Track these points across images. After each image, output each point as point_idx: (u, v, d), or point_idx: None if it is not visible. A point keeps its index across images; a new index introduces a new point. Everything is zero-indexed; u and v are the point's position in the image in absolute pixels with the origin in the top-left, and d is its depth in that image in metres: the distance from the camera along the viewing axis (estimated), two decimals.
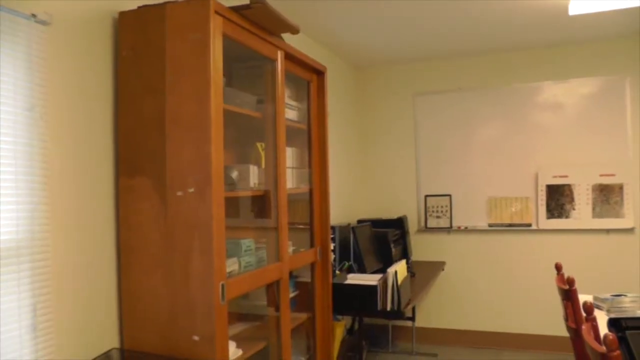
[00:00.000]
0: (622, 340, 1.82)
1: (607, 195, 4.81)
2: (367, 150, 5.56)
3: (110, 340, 2.19)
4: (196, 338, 2.05)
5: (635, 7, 3.87)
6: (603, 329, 2.12)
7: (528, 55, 5.08)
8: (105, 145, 2.20)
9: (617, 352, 1.52)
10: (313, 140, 3.16)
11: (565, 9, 3.88)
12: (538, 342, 4.97)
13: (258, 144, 2.76)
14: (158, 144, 2.12)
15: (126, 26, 2.20)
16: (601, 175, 4.83)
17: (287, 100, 2.91)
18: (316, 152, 3.17)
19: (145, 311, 2.15)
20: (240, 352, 2.39)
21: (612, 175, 4.80)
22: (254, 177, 2.62)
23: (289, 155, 2.93)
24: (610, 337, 1.54)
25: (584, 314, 2.16)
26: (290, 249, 2.92)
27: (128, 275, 2.19)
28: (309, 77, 3.14)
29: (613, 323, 1.89)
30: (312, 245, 3.13)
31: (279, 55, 2.67)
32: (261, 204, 2.85)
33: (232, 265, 2.35)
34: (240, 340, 2.46)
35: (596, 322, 1.83)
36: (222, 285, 2.07)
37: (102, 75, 2.20)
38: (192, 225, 2.06)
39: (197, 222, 2.05)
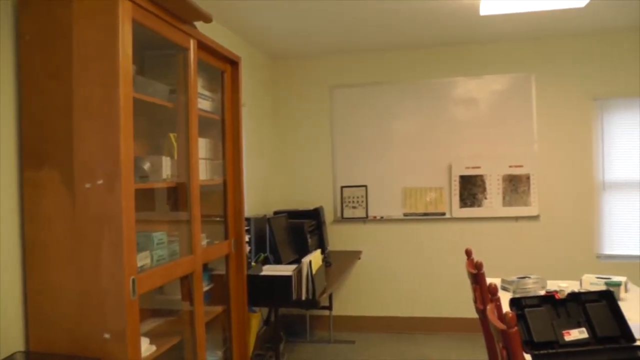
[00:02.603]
0: (522, 318, 2.00)
1: (516, 185, 5.15)
2: (283, 141, 5.61)
3: (14, 344, 2.10)
4: (107, 336, 2.02)
5: (540, 11, 4.17)
6: (506, 309, 2.29)
7: (443, 52, 5.32)
8: (7, 135, 2.11)
9: (515, 328, 1.68)
10: (227, 132, 3.16)
11: (477, 9, 4.10)
12: (451, 325, 5.28)
13: (171, 135, 2.73)
14: (65, 133, 2.05)
15: (28, 8, 2.11)
16: (510, 166, 5.17)
17: (201, 90, 2.90)
18: (230, 143, 3.18)
19: (53, 310, 2.09)
20: (154, 348, 2.37)
21: (520, 166, 5.15)
22: (167, 168, 2.60)
23: (203, 147, 2.93)
24: (510, 314, 1.69)
25: (489, 296, 2.33)
26: (204, 242, 2.92)
27: (34, 273, 2.11)
28: (223, 67, 3.14)
29: (514, 302, 2.05)
30: (226, 237, 3.14)
31: (192, 44, 2.65)
32: (174, 196, 2.84)
33: (143, 259, 2.33)
34: (154, 336, 2.44)
35: (500, 303, 1.99)
36: (133, 280, 2.05)
37: (2, 61, 2.10)
38: (101, 218, 2.02)
39: (106, 215, 2.01)
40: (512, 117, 5.21)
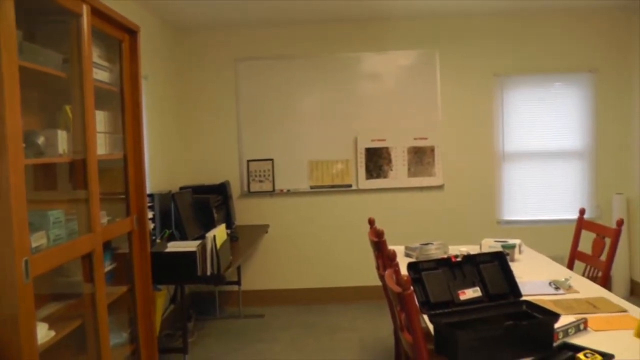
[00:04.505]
0: (419, 281, 2.14)
1: (421, 157, 5.40)
2: (188, 115, 5.53)
3: None
4: None
5: None
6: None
7: (350, 27, 5.43)
8: None
9: (410, 290, 1.80)
10: (127, 104, 3.08)
11: None
12: (359, 293, 5.51)
13: (66, 107, 2.63)
14: None
15: None
16: (415, 139, 5.42)
17: (97, 60, 2.80)
18: (130, 116, 3.10)
19: None
20: (52, 333, 2.30)
21: (425, 138, 5.42)
22: (63, 143, 2.50)
23: (101, 120, 2.85)
24: (405, 278, 1.81)
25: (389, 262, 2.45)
26: (105, 219, 2.86)
27: None
28: (121, 37, 3.04)
29: (412, 266, 2.19)
30: (128, 214, 3.08)
31: (84, 10, 2.54)
32: (71, 171, 2.75)
33: (39, 240, 2.25)
34: (54, 321, 2.37)
35: (399, 268, 2.10)
36: (26, 262, 1.98)
37: None
38: None
39: None
40: (417, 91, 5.44)
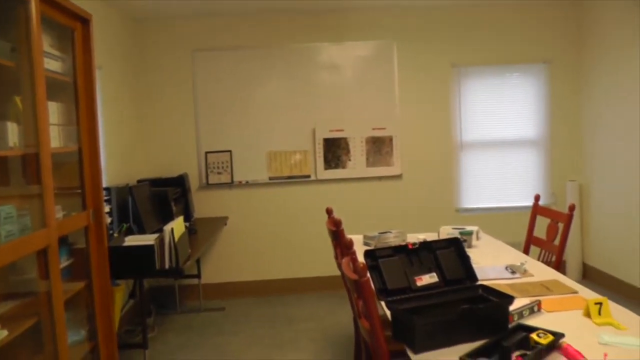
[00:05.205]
0: (376, 269, 2.18)
1: (379, 147, 5.47)
2: (145, 107, 5.45)
3: None
4: None
5: None
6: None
7: (308, 18, 5.45)
8: None
9: (367, 277, 1.84)
10: (80, 95, 3.03)
11: None
12: (320, 283, 5.56)
13: (16, 98, 2.57)
14: None
15: None
16: (373, 129, 5.48)
17: (48, 50, 2.75)
18: (84, 108, 3.05)
19: None
20: (5, 332, 2.26)
21: (383, 128, 5.48)
22: (14, 135, 2.45)
23: (53, 111, 2.80)
24: (361, 265, 1.85)
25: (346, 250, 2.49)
26: (60, 214, 2.82)
27: None
28: (73, 25, 2.98)
29: (368, 254, 2.23)
30: (84, 208, 3.04)
31: None
32: (24, 165, 2.70)
33: None
34: (7, 320, 2.33)
35: (355, 256, 2.14)
36: None
37: None
38: None
39: None
40: (375, 82, 5.50)
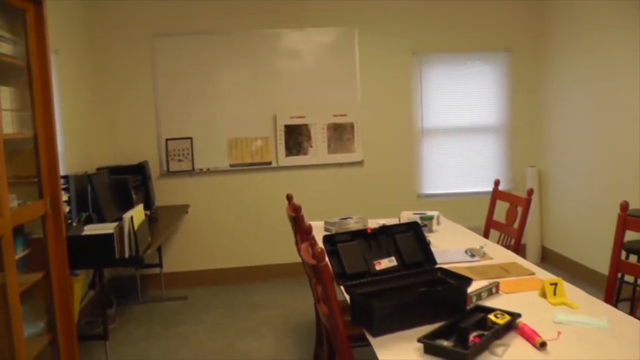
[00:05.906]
0: (335, 254, 2.21)
1: (341, 133, 5.51)
2: (104, 92, 5.35)
3: None
4: None
5: None
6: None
7: (269, 4, 5.43)
8: None
9: (325, 262, 1.87)
10: (35, 80, 2.97)
11: None
12: (281, 271, 5.60)
13: None
14: None
15: None
16: (335, 116, 5.51)
17: None
18: (39, 93, 2.99)
19: None
20: None
21: (345, 115, 5.52)
22: None
23: (6, 96, 2.74)
24: (319, 250, 1.87)
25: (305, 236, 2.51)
26: (14, 203, 2.77)
27: None
28: (24, 6, 2.90)
29: (327, 239, 2.25)
30: (41, 196, 2.99)
31: None
32: None
33: None
34: None
35: (315, 241, 2.16)
36: None
37: None
38: None
39: None
40: (336, 69, 5.53)
